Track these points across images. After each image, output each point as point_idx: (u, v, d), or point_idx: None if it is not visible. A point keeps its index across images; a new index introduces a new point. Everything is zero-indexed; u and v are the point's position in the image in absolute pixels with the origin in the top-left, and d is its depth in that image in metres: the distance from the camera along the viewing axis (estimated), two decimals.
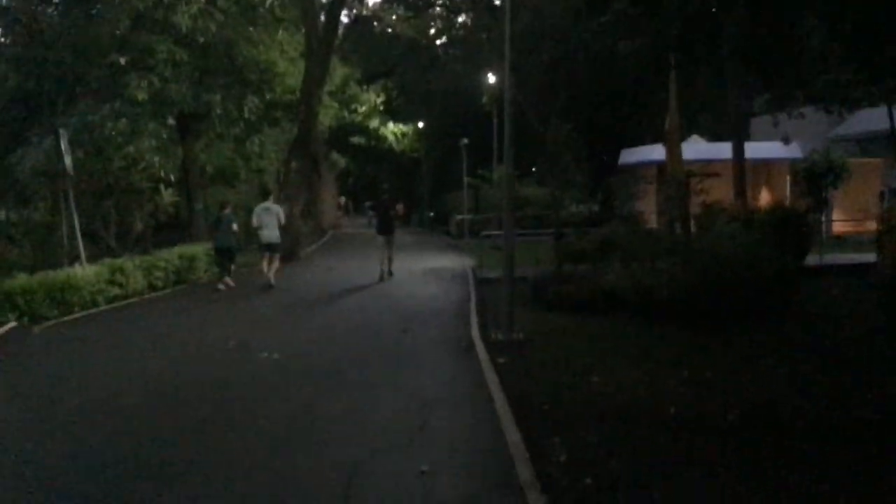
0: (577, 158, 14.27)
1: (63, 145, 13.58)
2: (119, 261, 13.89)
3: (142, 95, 16.66)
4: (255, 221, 15.34)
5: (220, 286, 14.99)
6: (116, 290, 13.35)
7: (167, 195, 18.23)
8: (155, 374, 8.05)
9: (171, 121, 19.45)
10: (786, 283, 11.34)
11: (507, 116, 9.87)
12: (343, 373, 8.00)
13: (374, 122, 45.15)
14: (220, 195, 25.31)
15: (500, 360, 8.53)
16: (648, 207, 30.56)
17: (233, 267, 15.63)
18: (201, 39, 17.26)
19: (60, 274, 12.08)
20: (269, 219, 15.18)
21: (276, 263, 15.48)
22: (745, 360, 8.32)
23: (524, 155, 32.78)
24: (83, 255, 13.62)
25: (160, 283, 14.92)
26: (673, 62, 10.72)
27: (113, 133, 17.43)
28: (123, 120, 17.84)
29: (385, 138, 46.52)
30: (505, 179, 10.16)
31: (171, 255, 15.56)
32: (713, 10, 8.45)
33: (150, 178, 17.35)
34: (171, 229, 23.36)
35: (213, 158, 24.52)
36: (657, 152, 28.92)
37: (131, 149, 17.71)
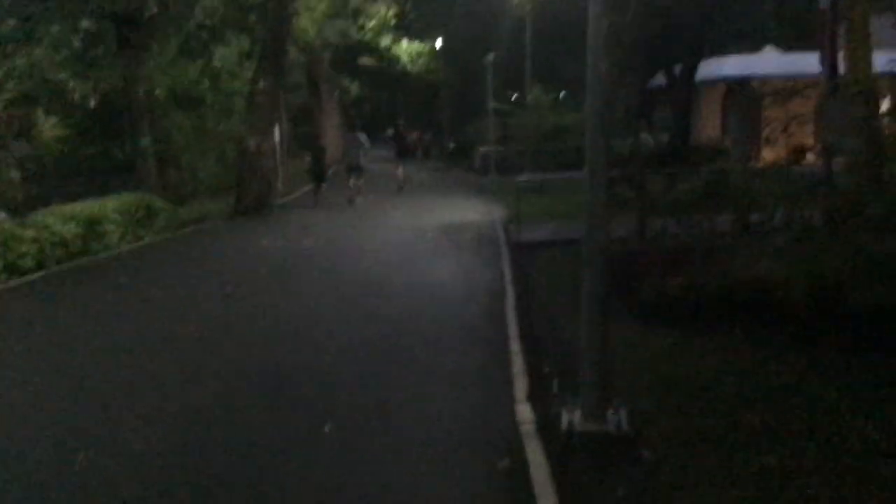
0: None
1: None
2: None
3: None
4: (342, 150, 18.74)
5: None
6: None
7: (49, 127, 12.69)
8: None
9: (84, 23, 13.93)
10: None
11: None
12: None
13: (385, 41, 39.52)
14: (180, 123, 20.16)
15: None
16: (714, 134, 25.42)
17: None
18: None
19: None
20: (354, 145, 18.31)
21: (360, 182, 17.67)
22: None
23: (559, 71, 27.04)
24: None
25: (31, 264, 9.65)
26: None
27: None
28: (11, 21, 12.52)
29: (398, 59, 40.87)
30: (590, 76, 4.38)
31: (52, 219, 10.21)
32: None
33: (14, 102, 11.89)
34: (124, 173, 18.19)
35: (169, 79, 19.09)
36: (728, 66, 23.22)
37: (20, 62, 12.38)
